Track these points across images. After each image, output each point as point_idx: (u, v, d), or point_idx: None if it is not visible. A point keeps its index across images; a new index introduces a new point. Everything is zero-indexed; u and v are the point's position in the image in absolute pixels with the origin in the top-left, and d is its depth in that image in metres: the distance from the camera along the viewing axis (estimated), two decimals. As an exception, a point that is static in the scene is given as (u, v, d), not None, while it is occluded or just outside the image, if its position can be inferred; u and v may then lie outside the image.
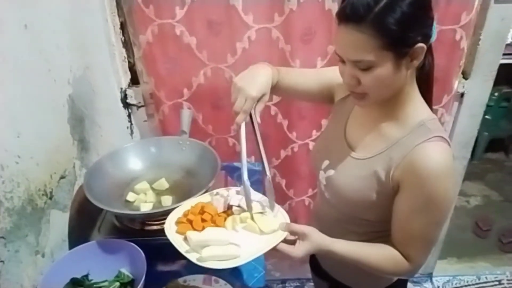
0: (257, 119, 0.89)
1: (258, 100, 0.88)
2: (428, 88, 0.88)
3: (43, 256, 0.95)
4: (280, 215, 0.92)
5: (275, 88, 1.00)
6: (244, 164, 0.89)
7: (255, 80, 0.89)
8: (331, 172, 0.95)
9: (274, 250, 0.84)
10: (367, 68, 0.76)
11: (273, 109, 1.54)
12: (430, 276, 2.14)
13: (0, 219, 0.79)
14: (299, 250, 0.84)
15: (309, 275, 1.27)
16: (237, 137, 1.56)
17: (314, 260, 1.18)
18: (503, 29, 1.45)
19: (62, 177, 1.04)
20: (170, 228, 0.88)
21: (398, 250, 0.88)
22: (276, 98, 1.52)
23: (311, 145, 1.61)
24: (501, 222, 2.53)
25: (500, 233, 2.42)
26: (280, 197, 1.75)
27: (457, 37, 1.39)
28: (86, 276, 0.96)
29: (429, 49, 0.82)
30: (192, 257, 0.81)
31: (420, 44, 0.74)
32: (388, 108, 0.86)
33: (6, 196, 0.81)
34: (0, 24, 0.81)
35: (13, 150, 0.84)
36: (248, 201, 0.90)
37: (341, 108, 1.00)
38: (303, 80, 1.06)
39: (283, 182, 1.74)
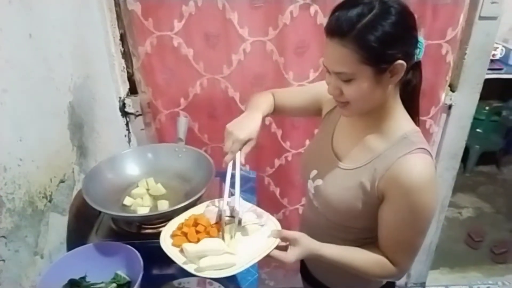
0: (241, 159, 0.97)
1: (245, 143, 0.96)
2: (413, 103, 0.92)
3: (41, 257, 0.97)
4: (271, 223, 0.96)
5: (273, 113, 1.13)
6: (225, 198, 0.96)
7: (244, 126, 0.97)
8: (319, 181, 0.98)
9: (268, 256, 0.87)
10: (348, 80, 0.81)
11: (267, 119, 1.59)
12: (423, 285, 2.16)
13: (2, 219, 0.82)
14: (291, 255, 0.88)
15: (303, 284, 1.29)
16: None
17: (305, 268, 1.20)
18: (488, 43, 1.51)
19: (62, 181, 1.07)
20: (165, 242, 0.91)
21: (385, 255, 0.91)
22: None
23: (304, 154, 1.65)
24: (493, 234, 2.56)
25: (492, 244, 2.45)
26: (274, 206, 1.78)
27: (443, 51, 1.45)
28: (84, 277, 0.97)
29: (417, 66, 0.86)
30: (190, 268, 0.84)
31: (400, 61, 0.78)
32: (372, 120, 0.90)
33: (8, 197, 0.84)
34: (7, 33, 0.84)
35: (15, 153, 0.87)
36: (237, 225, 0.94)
37: (328, 120, 1.04)
38: (293, 97, 1.14)
39: (277, 191, 1.77)
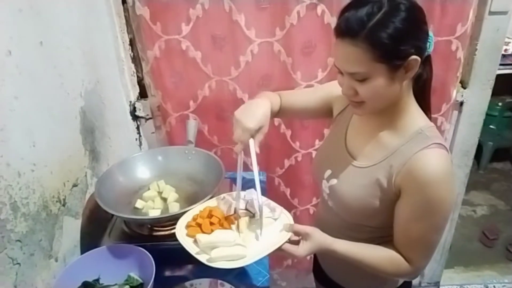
0: (255, 148, 0.91)
1: (257, 131, 0.92)
2: (425, 98, 0.91)
3: (56, 260, 0.98)
4: (284, 217, 0.96)
5: (279, 113, 1.08)
6: (239, 187, 0.98)
7: (252, 113, 0.92)
8: (333, 181, 0.98)
9: (279, 250, 0.88)
10: (362, 79, 0.80)
11: (276, 120, 1.59)
12: (437, 285, 2.13)
13: (17, 223, 0.83)
14: (302, 249, 0.88)
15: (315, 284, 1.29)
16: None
17: (318, 268, 1.20)
18: (499, 39, 1.49)
19: (75, 185, 1.08)
20: (180, 231, 0.92)
21: (400, 252, 0.90)
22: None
23: (314, 154, 1.65)
24: (508, 231, 2.52)
25: (507, 242, 2.41)
26: (285, 206, 1.74)
27: (453, 47, 1.43)
28: (97, 280, 0.99)
29: (428, 60, 0.85)
30: (202, 258, 0.85)
31: (414, 57, 0.77)
32: (386, 117, 0.89)
33: (22, 201, 0.85)
34: (18, 41, 0.86)
35: (29, 158, 0.89)
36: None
37: (340, 119, 1.04)
38: (302, 98, 1.12)
39: (287, 191, 1.77)
